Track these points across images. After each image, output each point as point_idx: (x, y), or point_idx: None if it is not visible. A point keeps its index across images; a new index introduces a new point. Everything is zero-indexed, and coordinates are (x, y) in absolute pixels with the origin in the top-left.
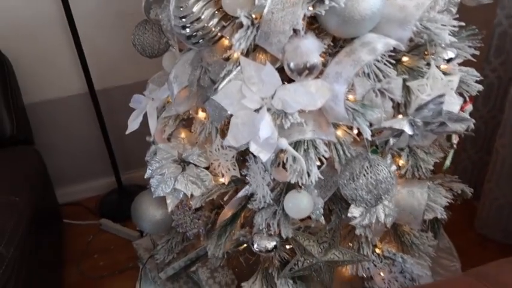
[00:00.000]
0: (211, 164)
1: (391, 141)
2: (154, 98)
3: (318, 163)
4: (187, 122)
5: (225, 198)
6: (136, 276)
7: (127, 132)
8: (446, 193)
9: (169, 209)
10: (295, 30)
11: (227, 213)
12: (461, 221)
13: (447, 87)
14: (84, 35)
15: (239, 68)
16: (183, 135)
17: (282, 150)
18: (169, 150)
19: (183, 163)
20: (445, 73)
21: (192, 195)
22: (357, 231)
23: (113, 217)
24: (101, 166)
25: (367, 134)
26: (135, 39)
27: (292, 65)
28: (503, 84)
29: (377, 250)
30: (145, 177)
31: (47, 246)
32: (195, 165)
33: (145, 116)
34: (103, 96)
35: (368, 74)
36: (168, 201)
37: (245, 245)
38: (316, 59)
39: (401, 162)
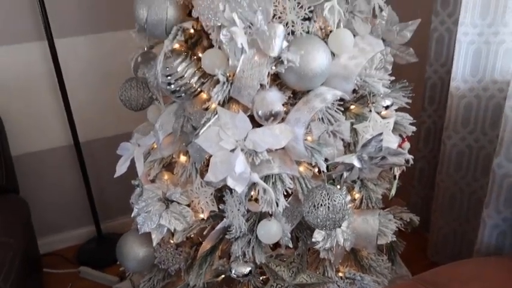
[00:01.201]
0: (192, 201)
1: (345, 174)
2: (140, 144)
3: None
4: (169, 165)
5: (204, 233)
6: None
7: (115, 176)
8: (394, 219)
9: (154, 243)
10: (262, 85)
11: (206, 246)
12: (416, 251)
13: (385, 128)
14: (71, 91)
15: (216, 116)
16: (166, 177)
17: (254, 184)
18: (154, 190)
19: (167, 201)
20: (384, 117)
21: (175, 230)
22: (321, 255)
23: (92, 265)
24: (81, 215)
25: (323, 167)
26: (122, 94)
27: (260, 112)
28: (438, 128)
29: (340, 273)
30: (132, 216)
31: None
32: (178, 202)
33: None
34: (86, 148)
35: (322, 119)
36: (153, 237)
37: (223, 276)
38: (279, 107)
39: (356, 195)
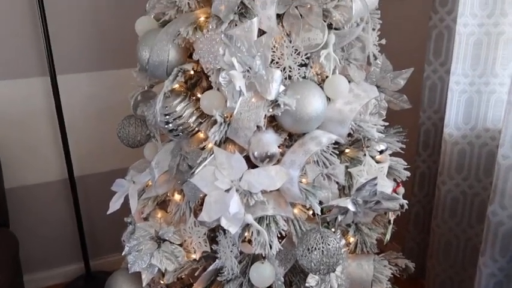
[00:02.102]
0: (185, 241)
1: (339, 217)
2: (136, 181)
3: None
4: (163, 203)
5: (195, 274)
6: None
7: (108, 213)
8: (390, 265)
9: (144, 284)
10: (258, 127)
11: (197, 287)
12: None
13: (380, 172)
14: (69, 125)
15: (213, 155)
16: (159, 215)
17: (247, 225)
18: (147, 228)
19: (159, 240)
20: (378, 162)
21: (166, 270)
22: None
23: None
24: (71, 252)
25: (318, 210)
26: (120, 131)
27: (256, 153)
28: (433, 174)
29: None
30: (123, 254)
31: None
32: (170, 242)
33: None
34: (80, 183)
35: (317, 162)
36: (143, 277)
37: None
38: (274, 149)
39: (350, 239)
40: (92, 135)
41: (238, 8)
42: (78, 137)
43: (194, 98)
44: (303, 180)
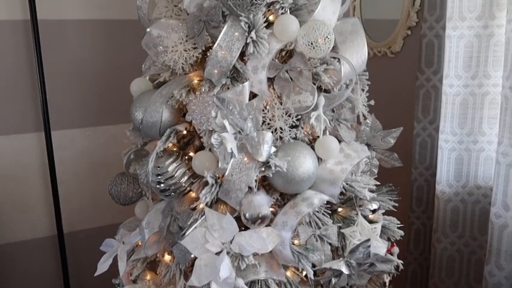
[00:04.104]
0: None
1: (333, 280)
2: (125, 242)
3: None
4: (152, 263)
5: None
6: None
7: (96, 274)
8: None
9: None
10: (250, 188)
11: None
12: None
13: (373, 233)
14: (61, 180)
15: (204, 217)
16: (148, 277)
17: None
18: None
19: None
20: (372, 221)
21: None
22: None
23: None
24: None
25: (310, 273)
26: (112, 188)
27: (247, 215)
28: (428, 230)
29: None
30: None
31: None
32: None
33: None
34: (69, 239)
35: (310, 223)
36: None
37: None
38: (266, 211)
39: None
40: (84, 190)
41: (230, 72)
42: (69, 192)
43: (186, 157)
44: (295, 241)
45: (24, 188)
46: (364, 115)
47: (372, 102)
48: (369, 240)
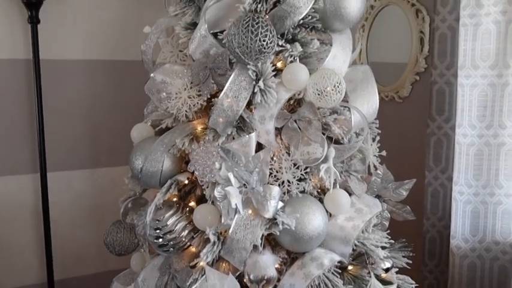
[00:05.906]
0: None
1: None
2: None
3: None
4: None
5: None
6: None
7: None
8: None
9: None
10: (255, 246)
11: None
12: None
13: None
14: (54, 224)
15: (204, 276)
16: None
17: None
18: None
19: None
20: (385, 281)
21: None
22: None
23: None
24: None
25: None
26: (108, 237)
27: (252, 276)
28: (442, 286)
29: None
30: None
31: None
32: None
33: None
34: (61, 287)
35: (319, 285)
36: None
37: None
38: (272, 272)
39: None
40: (78, 234)
41: (236, 121)
42: (62, 237)
43: (187, 209)
44: None
45: (16, 232)
46: (375, 166)
47: (384, 153)
48: None
